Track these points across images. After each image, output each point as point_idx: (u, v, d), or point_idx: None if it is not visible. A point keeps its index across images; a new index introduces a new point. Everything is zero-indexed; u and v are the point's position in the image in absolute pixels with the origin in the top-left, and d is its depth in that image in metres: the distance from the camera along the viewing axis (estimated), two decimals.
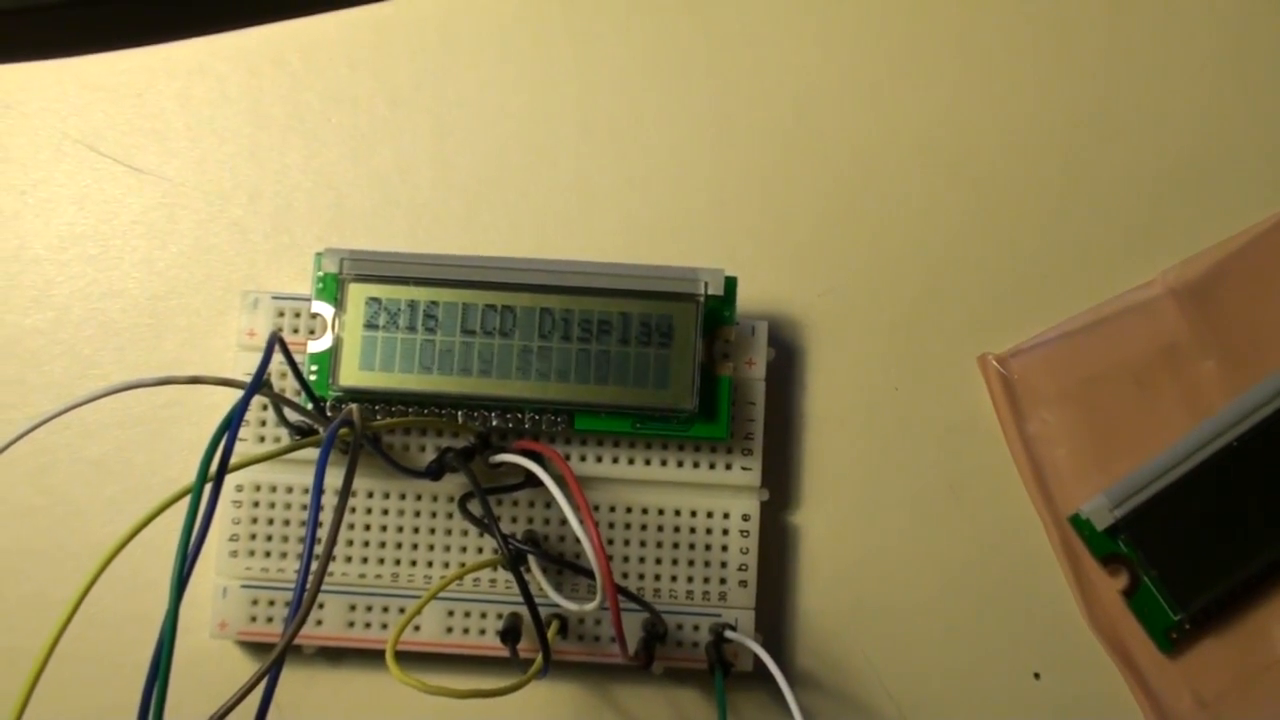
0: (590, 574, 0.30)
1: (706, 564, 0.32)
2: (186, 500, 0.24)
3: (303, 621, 0.24)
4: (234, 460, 0.25)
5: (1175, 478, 0.33)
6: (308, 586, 0.24)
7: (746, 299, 0.33)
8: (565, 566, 0.31)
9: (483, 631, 0.32)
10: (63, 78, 0.35)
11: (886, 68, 0.35)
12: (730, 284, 0.32)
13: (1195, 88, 0.35)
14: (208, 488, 0.24)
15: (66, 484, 0.34)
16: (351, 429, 0.26)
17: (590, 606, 0.29)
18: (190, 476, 0.33)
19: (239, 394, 0.26)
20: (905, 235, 0.35)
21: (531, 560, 0.31)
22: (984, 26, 0.36)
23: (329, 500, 0.31)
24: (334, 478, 0.29)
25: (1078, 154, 0.35)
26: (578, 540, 0.30)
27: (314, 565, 0.24)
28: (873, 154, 0.35)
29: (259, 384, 0.25)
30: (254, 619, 0.32)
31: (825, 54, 0.36)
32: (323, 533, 0.29)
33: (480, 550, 0.32)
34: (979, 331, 0.34)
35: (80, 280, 0.35)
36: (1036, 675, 0.33)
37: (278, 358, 0.29)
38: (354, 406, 0.27)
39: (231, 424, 0.24)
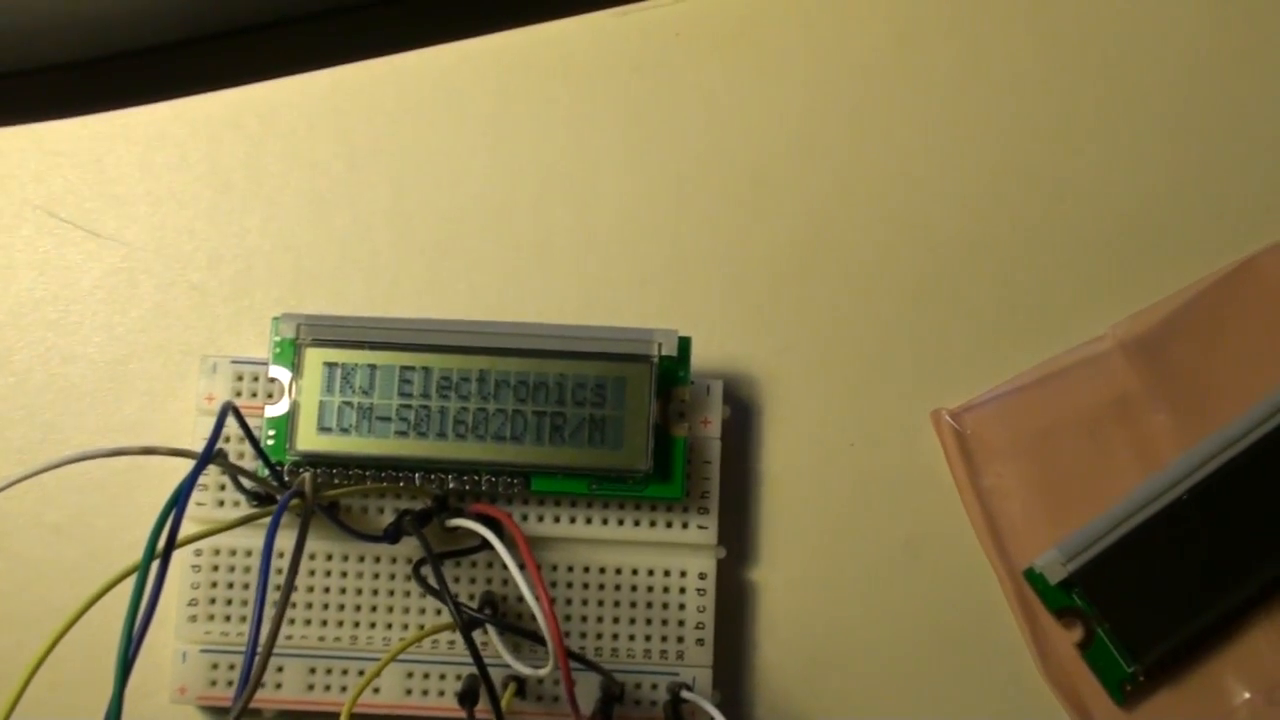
0: (543, 637, 0.31)
1: (664, 622, 0.33)
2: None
3: (253, 692, 0.24)
4: (183, 534, 0.25)
5: (1127, 530, 0.33)
6: (256, 657, 0.24)
7: (703, 358, 0.34)
8: (520, 635, 0.31)
9: (441, 693, 0.32)
10: (22, 144, 0.36)
11: (840, 129, 0.36)
12: (684, 344, 0.33)
13: (1143, 144, 0.36)
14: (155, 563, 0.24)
15: (26, 549, 0.34)
16: (303, 500, 0.27)
17: (544, 671, 0.29)
18: None
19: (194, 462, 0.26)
20: (859, 293, 0.35)
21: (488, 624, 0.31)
22: (934, 88, 0.36)
23: (283, 568, 0.31)
24: (291, 541, 0.29)
25: (1028, 211, 0.35)
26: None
27: (264, 635, 0.24)
28: (827, 213, 0.35)
29: (208, 459, 0.25)
30: (214, 683, 0.32)
31: (779, 115, 0.36)
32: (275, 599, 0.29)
33: (439, 612, 0.33)
34: (932, 387, 0.35)
35: (40, 345, 0.35)
36: None
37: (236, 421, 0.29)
38: (306, 476, 0.27)
39: (179, 500, 0.24)
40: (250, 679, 0.23)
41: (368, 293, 0.35)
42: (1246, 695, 0.33)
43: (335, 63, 0.36)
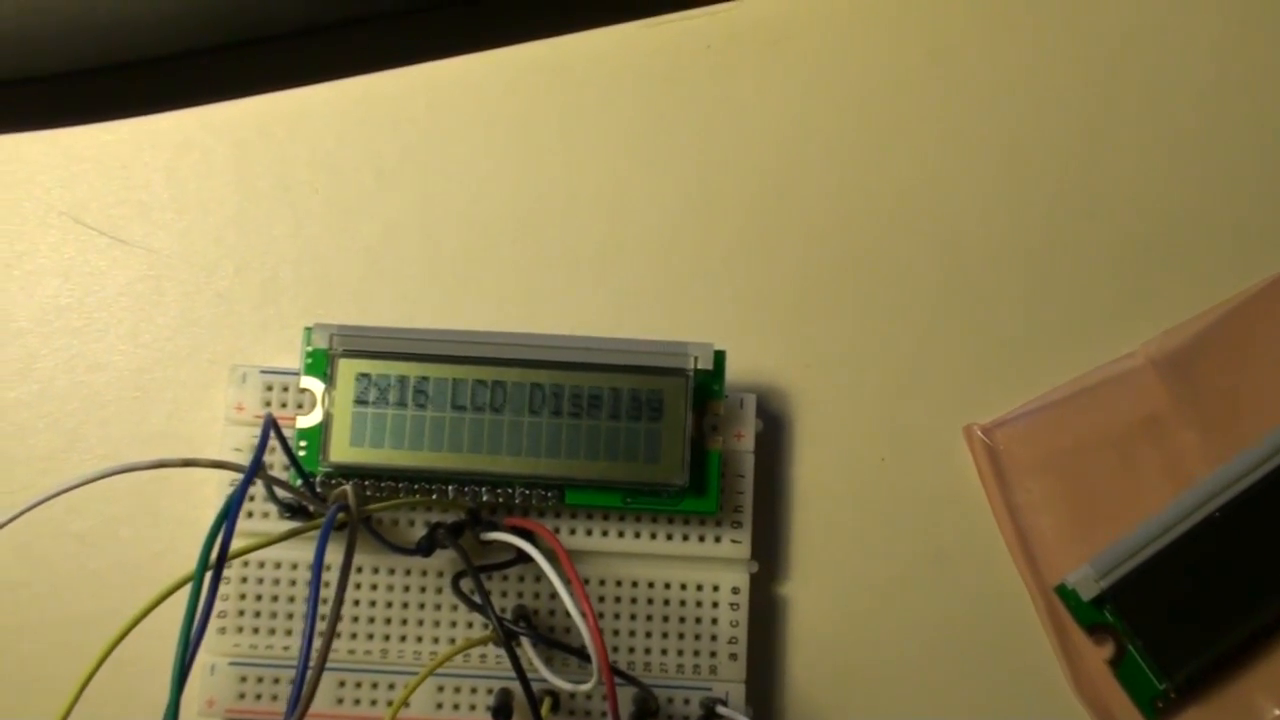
0: (581, 650, 0.30)
1: (697, 637, 0.33)
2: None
3: (304, 711, 0.24)
4: (233, 548, 0.25)
5: (1159, 548, 0.33)
6: (306, 680, 0.24)
7: (734, 371, 0.33)
8: (559, 649, 0.31)
9: (473, 707, 0.32)
10: (48, 149, 0.35)
11: (869, 141, 0.36)
12: (719, 358, 0.32)
13: (1175, 160, 0.36)
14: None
15: (52, 558, 0.33)
16: (349, 514, 0.26)
17: (586, 687, 0.28)
18: (177, 550, 0.34)
19: (227, 473, 0.26)
20: (890, 306, 0.35)
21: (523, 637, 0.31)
22: (965, 102, 0.36)
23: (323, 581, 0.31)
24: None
25: (1059, 227, 0.36)
26: (568, 614, 0.30)
27: (314, 654, 0.24)
28: (857, 226, 0.35)
29: (255, 472, 0.25)
30: (242, 696, 0.32)
31: (807, 128, 0.36)
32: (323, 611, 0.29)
33: (470, 625, 0.32)
34: (964, 402, 0.35)
35: (65, 353, 0.34)
36: None
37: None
38: (348, 489, 0.27)
39: (230, 513, 0.24)
40: (301, 699, 0.23)
41: (395, 302, 0.35)
42: (1277, 712, 0.33)
43: (365, 71, 0.36)
